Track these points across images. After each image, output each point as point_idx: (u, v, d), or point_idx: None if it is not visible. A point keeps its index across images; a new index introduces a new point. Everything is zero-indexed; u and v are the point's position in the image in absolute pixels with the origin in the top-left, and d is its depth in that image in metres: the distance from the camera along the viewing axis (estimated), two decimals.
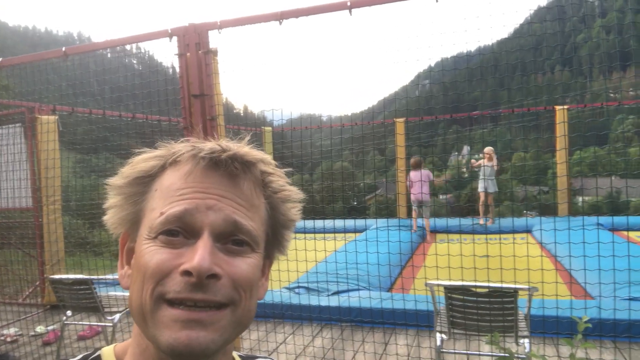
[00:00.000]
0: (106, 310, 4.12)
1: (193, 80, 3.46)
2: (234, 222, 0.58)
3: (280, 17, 3.28)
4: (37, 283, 6.33)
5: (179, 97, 3.58)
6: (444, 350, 3.40)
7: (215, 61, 3.56)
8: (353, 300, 4.92)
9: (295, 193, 0.67)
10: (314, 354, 4.24)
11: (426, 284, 3.38)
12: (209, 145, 0.61)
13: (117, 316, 4.10)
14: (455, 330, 3.33)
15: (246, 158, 0.61)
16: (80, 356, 0.66)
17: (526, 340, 3.17)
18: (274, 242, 0.68)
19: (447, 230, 8.27)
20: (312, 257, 4.67)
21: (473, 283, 3.23)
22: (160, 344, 0.55)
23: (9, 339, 4.95)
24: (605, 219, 8.38)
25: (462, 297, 3.16)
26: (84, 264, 6.91)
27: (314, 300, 5.05)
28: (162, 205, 0.59)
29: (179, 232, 0.57)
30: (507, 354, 2.49)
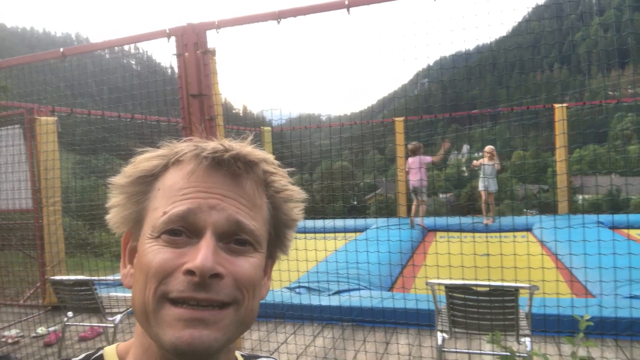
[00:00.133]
0: (107, 311, 4.11)
1: (191, 80, 3.45)
2: (236, 221, 0.58)
3: (279, 16, 3.27)
4: (38, 284, 6.33)
5: (177, 97, 3.57)
6: (445, 349, 3.40)
7: (214, 61, 3.55)
8: (354, 299, 4.92)
9: (297, 193, 0.67)
10: (315, 353, 4.24)
11: (427, 283, 3.38)
12: (211, 144, 0.61)
13: (118, 317, 4.10)
14: (457, 329, 3.33)
15: (249, 158, 0.61)
16: (82, 355, 0.66)
17: (527, 339, 3.16)
18: (276, 241, 0.68)
19: (448, 229, 8.27)
20: (313, 257, 4.67)
21: (474, 282, 3.23)
22: (164, 343, 0.55)
23: (10, 341, 4.95)
24: (605, 217, 8.38)
25: (463, 296, 3.15)
26: (84, 264, 6.91)
27: (314, 300, 5.05)
28: (164, 204, 0.59)
29: (182, 231, 0.57)
30: (508, 353, 2.48)
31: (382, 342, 4.36)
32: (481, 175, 9.37)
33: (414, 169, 8.60)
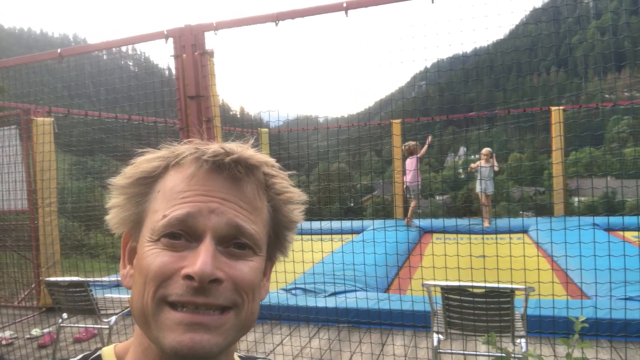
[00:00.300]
0: (102, 312, 4.10)
1: (189, 82, 3.45)
2: (236, 225, 0.58)
3: (277, 18, 3.28)
4: (33, 285, 6.30)
5: (175, 98, 3.57)
6: (440, 350, 3.41)
7: (212, 62, 3.56)
8: (350, 301, 4.92)
9: (297, 195, 0.67)
10: (311, 355, 4.24)
11: (423, 285, 3.38)
12: (212, 147, 0.61)
13: (113, 318, 4.09)
14: (452, 331, 3.34)
15: (250, 161, 0.61)
16: (80, 356, 0.66)
17: (523, 340, 3.17)
18: (276, 243, 0.68)
19: (444, 231, 8.28)
20: (309, 258, 4.67)
21: (470, 283, 3.24)
22: (164, 347, 0.55)
23: (4, 342, 4.93)
24: (601, 219, 8.41)
25: (458, 297, 3.16)
26: (79, 266, 6.88)
27: (311, 302, 5.05)
28: (164, 207, 0.59)
29: (181, 235, 0.57)
30: (503, 354, 2.49)
31: (377, 344, 4.36)
32: (478, 178, 9.39)
33: (411, 170, 8.64)
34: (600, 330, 3.97)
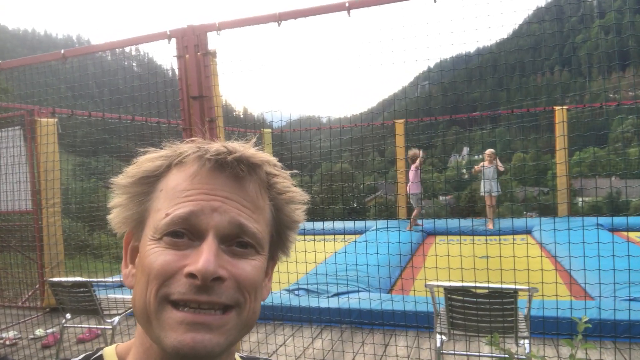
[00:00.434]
0: (105, 312, 4.11)
1: (192, 82, 3.46)
2: (239, 224, 0.58)
3: (279, 18, 3.28)
4: (37, 286, 6.33)
5: (178, 99, 3.58)
6: (444, 351, 3.40)
7: (214, 63, 3.56)
8: (353, 301, 4.91)
9: (299, 194, 0.67)
10: (314, 355, 4.24)
11: (426, 285, 3.38)
12: (215, 146, 0.61)
13: (116, 319, 4.10)
14: (455, 332, 3.33)
15: (252, 160, 0.61)
16: (82, 356, 0.66)
17: (526, 341, 3.16)
18: (278, 243, 0.68)
19: (447, 232, 8.26)
20: (312, 259, 4.67)
21: (473, 284, 3.23)
22: (165, 346, 0.55)
23: (8, 342, 4.94)
24: (605, 219, 8.37)
25: (462, 298, 3.15)
26: (83, 266, 6.91)
27: (313, 302, 5.05)
28: (167, 206, 0.59)
29: (184, 233, 0.57)
30: (507, 355, 2.48)
31: (380, 344, 4.36)
32: (482, 179, 9.34)
33: (414, 183, 8.67)
34: (604, 331, 3.95)
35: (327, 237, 5.80)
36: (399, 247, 5.82)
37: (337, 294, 5.28)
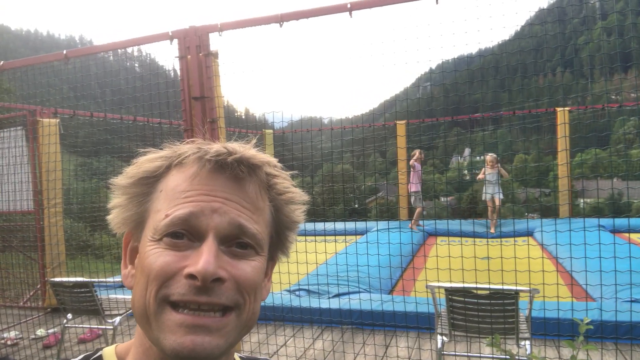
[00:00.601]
0: (107, 313, 4.11)
1: (194, 83, 3.46)
2: (239, 225, 0.58)
3: (281, 19, 3.28)
4: (38, 286, 6.33)
5: (179, 99, 3.58)
6: (445, 352, 3.40)
7: (216, 63, 3.56)
8: (354, 302, 4.91)
9: (299, 195, 0.67)
10: (315, 356, 4.23)
11: (427, 286, 3.37)
12: (215, 147, 0.61)
13: (117, 319, 4.10)
14: (456, 333, 3.33)
15: (252, 161, 0.61)
16: (81, 356, 0.66)
17: (527, 342, 3.16)
18: (277, 243, 0.68)
19: (448, 233, 8.26)
20: (313, 260, 4.66)
21: (474, 285, 3.23)
22: (164, 348, 0.55)
23: (9, 342, 4.95)
24: (606, 221, 8.36)
25: (463, 299, 3.15)
26: (84, 266, 6.92)
27: (314, 303, 5.05)
28: (167, 207, 0.59)
29: (184, 234, 0.57)
30: (508, 356, 2.48)
31: (381, 345, 4.35)
32: (486, 183, 9.29)
33: (414, 184, 8.70)
34: (606, 332, 3.94)
35: (328, 237, 5.82)
36: (400, 248, 5.82)
37: (338, 295, 5.28)
